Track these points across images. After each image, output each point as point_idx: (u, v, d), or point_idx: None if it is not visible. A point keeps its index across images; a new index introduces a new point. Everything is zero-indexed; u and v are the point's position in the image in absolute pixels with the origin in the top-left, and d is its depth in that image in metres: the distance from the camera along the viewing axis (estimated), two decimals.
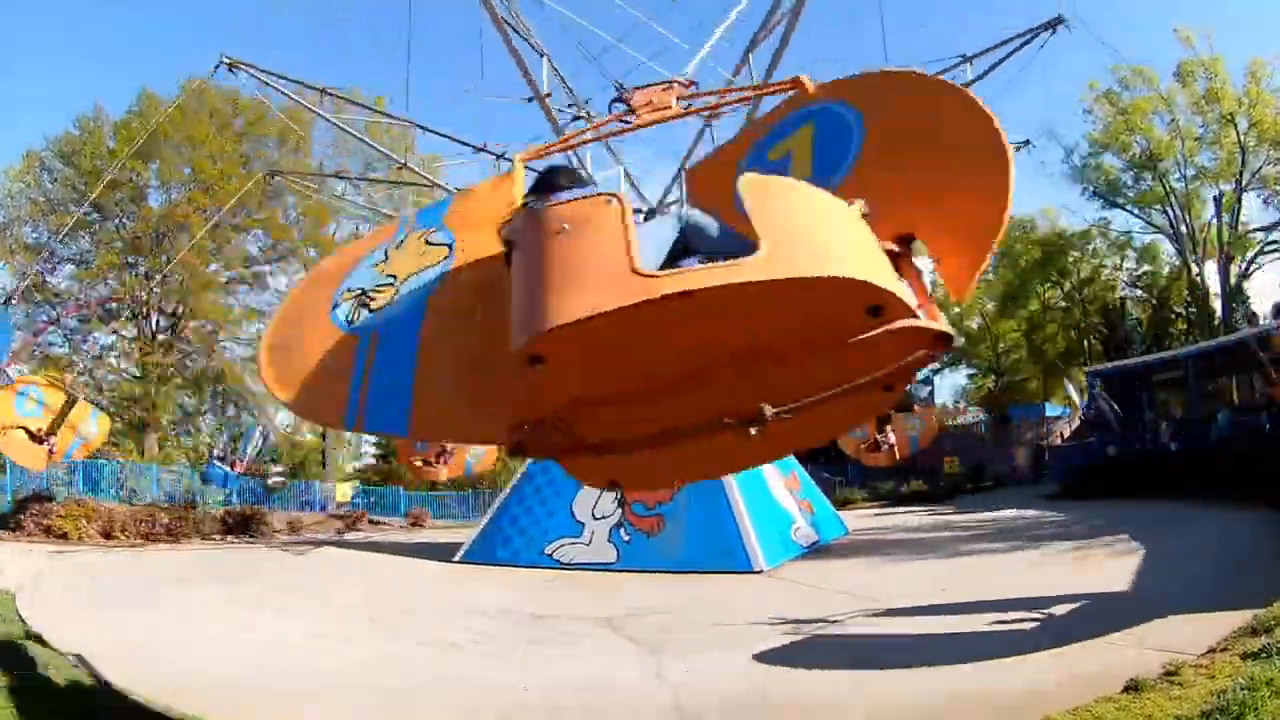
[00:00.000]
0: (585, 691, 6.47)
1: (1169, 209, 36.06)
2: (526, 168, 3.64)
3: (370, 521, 28.80)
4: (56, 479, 21.59)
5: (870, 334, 2.29)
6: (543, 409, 2.49)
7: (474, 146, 19.54)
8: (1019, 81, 35.43)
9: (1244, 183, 34.03)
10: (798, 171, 3.08)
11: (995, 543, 14.44)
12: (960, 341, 46.87)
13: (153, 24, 58.92)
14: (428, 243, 3.29)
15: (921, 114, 2.94)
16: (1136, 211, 37.90)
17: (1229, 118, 32.80)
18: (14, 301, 24.98)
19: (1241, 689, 4.37)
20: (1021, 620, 7.69)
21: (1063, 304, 42.68)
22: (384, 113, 19.15)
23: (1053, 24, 17.58)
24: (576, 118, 17.23)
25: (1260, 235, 35.18)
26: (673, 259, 2.60)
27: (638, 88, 3.69)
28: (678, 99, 3.58)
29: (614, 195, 2.42)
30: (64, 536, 16.73)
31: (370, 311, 3.07)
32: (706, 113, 3.84)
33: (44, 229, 33.83)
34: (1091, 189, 38.16)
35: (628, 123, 3.64)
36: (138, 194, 34.29)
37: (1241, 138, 32.97)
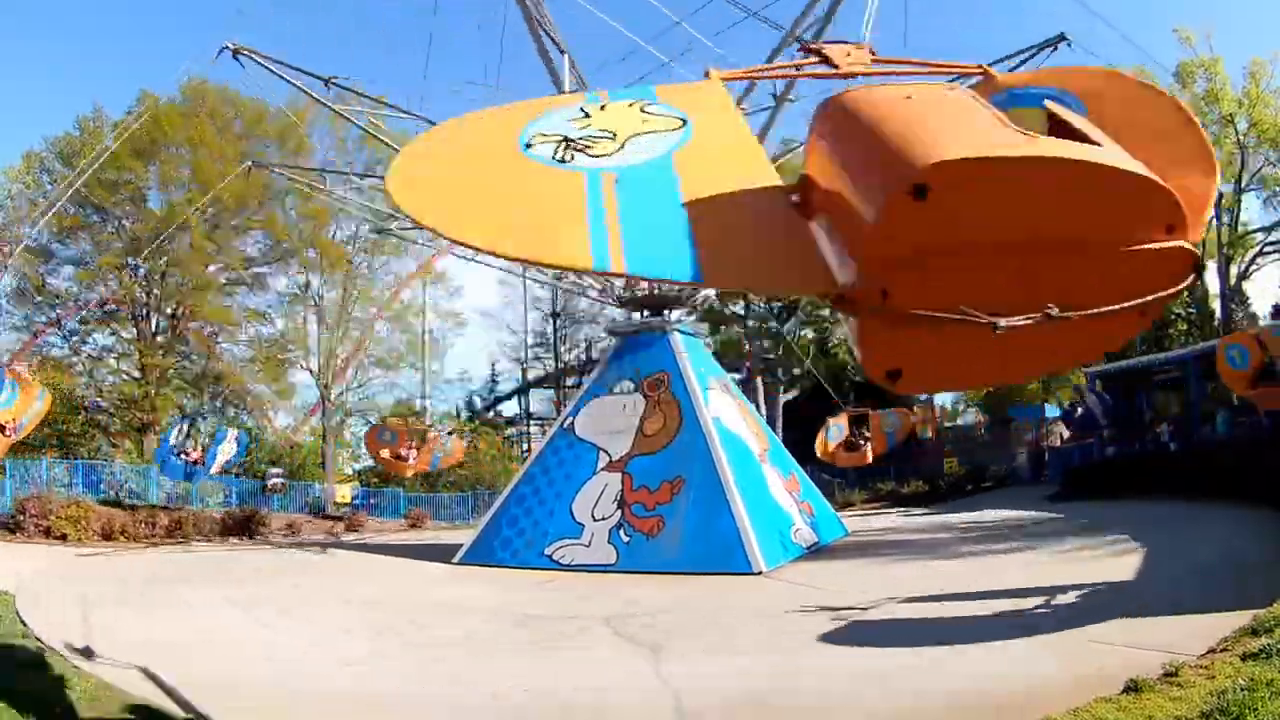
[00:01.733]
0: (585, 693, 6.46)
1: None
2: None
3: (369, 522, 28.83)
4: (57, 479, 21.64)
5: (1162, 245, 2.47)
6: (890, 253, 2.43)
7: None
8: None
9: (1243, 183, 34.03)
10: None
11: (995, 543, 14.45)
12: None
13: (153, 24, 58.97)
14: (645, 110, 3.06)
15: (1136, 107, 3.03)
16: None
17: (1229, 118, 32.79)
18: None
19: (1241, 689, 4.38)
20: (1021, 621, 7.69)
21: None
22: (391, 104, 18.88)
23: (1054, 42, 17.63)
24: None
25: (1260, 236, 35.18)
26: None
27: (827, 43, 3.59)
28: (872, 58, 3.49)
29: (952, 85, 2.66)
30: (63, 538, 16.74)
31: (590, 156, 2.77)
32: (893, 75, 3.69)
33: (43, 230, 33.82)
34: None
35: (833, 68, 3.51)
36: (138, 195, 34.29)
37: (1241, 138, 32.97)
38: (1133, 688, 4.94)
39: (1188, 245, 2.49)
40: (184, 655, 7.54)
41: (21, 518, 16.91)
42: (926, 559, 13.19)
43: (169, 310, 34.45)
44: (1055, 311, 2.40)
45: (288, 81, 17.55)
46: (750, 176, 2.76)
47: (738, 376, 35.92)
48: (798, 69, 4.06)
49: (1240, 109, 32.56)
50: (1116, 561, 10.67)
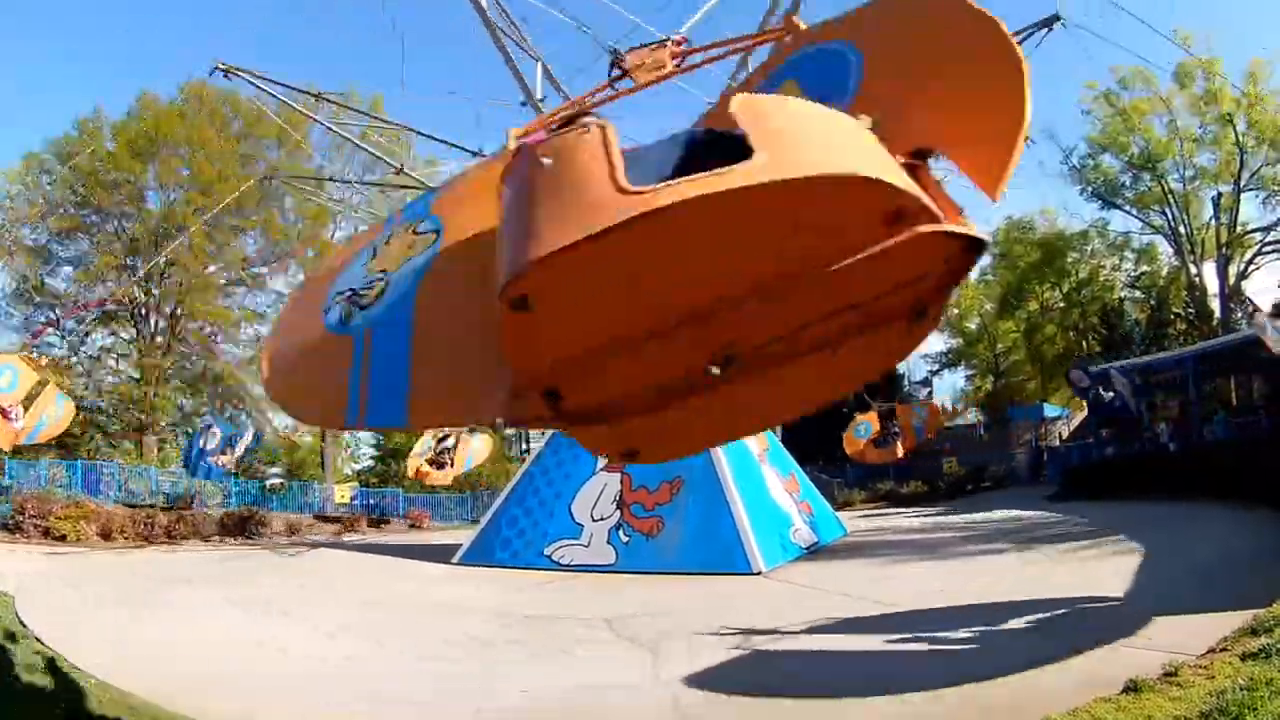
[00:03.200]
0: (585, 693, 6.46)
1: (1167, 209, 36.14)
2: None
3: (369, 523, 28.83)
4: (56, 480, 21.63)
5: (890, 242, 1.99)
6: (533, 366, 2.23)
7: (470, 150, 19.57)
8: None
9: (1242, 183, 34.10)
10: None
11: (994, 543, 14.45)
12: (957, 342, 46.98)
13: (152, 25, 58.93)
14: (415, 233, 3.14)
15: (925, 29, 2.65)
16: (1135, 212, 37.98)
17: (1227, 118, 32.86)
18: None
19: (1241, 689, 4.38)
20: (1020, 621, 7.69)
21: (1061, 304, 42.70)
22: (378, 118, 19.17)
23: (1048, 22, 17.36)
24: None
25: (1258, 235, 35.25)
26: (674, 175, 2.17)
27: (630, 49, 3.44)
28: (672, 57, 3.32)
29: (595, 123, 2.11)
30: (63, 538, 16.73)
31: (362, 309, 2.95)
32: (700, 66, 3.45)
33: (43, 230, 33.85)
34: (1090, 190, 38.26)
35: (625, 86, 3.39)
36: (136, 195, 34.29)
37: (1240, 138, 33.04)
38: (1132, 688, 4.94)
39: (928, 228, 1.98)
40: (183, 655, 7.55)
41: (21, 518, 16.90)
42: (925, 559, 13.19)
43: (168, 311, 34.44)
44: (716, 371, 2.14)
45: (277, 99, 17.88)
46: (475, 280, 2.51)
47: None
48: (593, 93, 3.81)
49: (1239, 109, 32.61)
50: (1115, 561, 10.67)
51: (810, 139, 1.97)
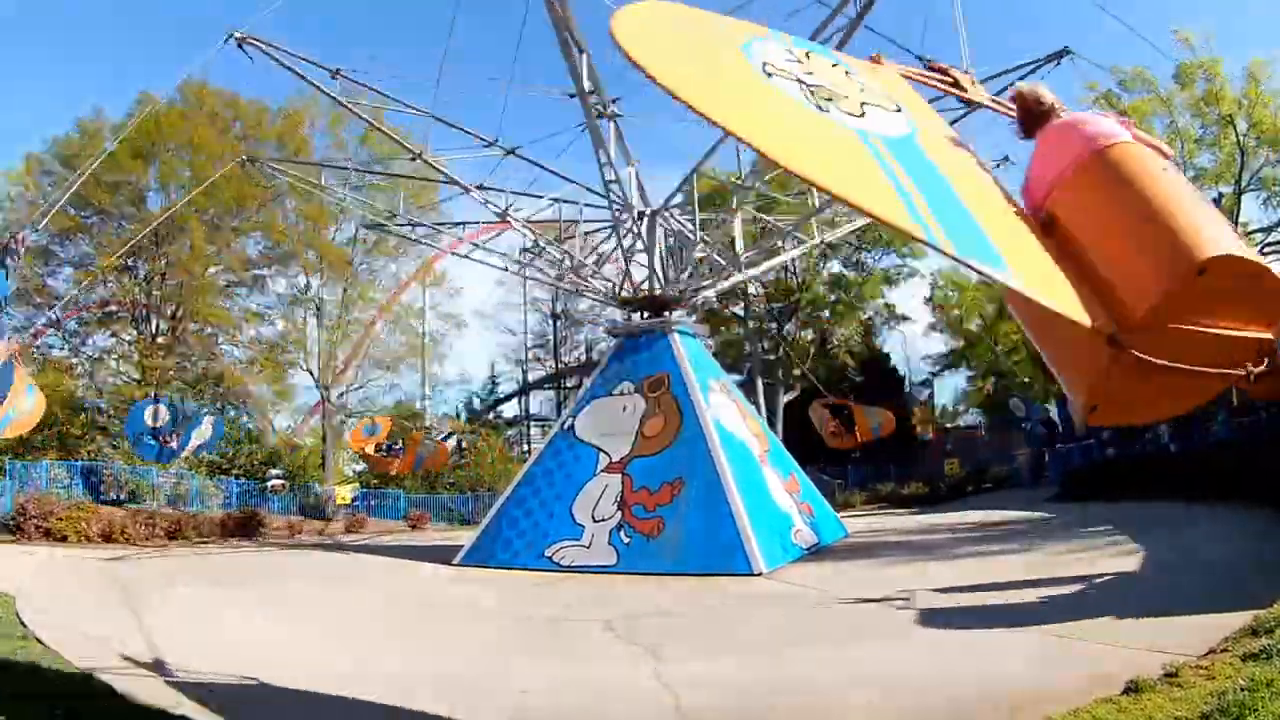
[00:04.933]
0: (585, 694, 6.46)
1: None
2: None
3: (370, 523, 28.84)
4: (57, 481, 21.65)
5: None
6: (1149, 315, 2.64)
7: (485, 140, 19.43)
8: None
9: (1243, 184, 34.04)
10: None
11: (995, 544, 14.45)
12: (959, 344, 46.99)
13: (152, 25, 58.96)
14: (849, 76, 3.01)
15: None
16: None
17: (1228, 119, 32.79)
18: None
19: (1242, 690, 4.37)
20: (1020, 621, 7.69)
21: None
22: (399, 100, 18.60)
23: (1057, 56, 17.55)
24: (599, 115, 16.84)
25: (1260, 236, 35.19)
26: None
27: (949, 67, 3.72)
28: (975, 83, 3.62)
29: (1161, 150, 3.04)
30: (64, 539, 16.76)
31: (840, 112, 2.64)
32: (995, 111, 3.73)
33: (44, 231, 33.83)
34: None
35: (963, 91, 3.64)
36: (137, 196, 34.32)
37: (1241, 139, 32.96)
38: (1133, 688, 4.94)
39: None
40: (183, 656, 7.54)
41: (22, 519, 16.94)
42: (926, 560, 13.19)
43: (169, 312, 34.45)
44: (1256, 371, 2.81)
45: (293, 72, 17.10)
46: (992, 188, 2.87)
47: (738, 378, 35.94)
48: (938, 81, 3.98)
49: (1240, 110, 32.55)
50: (1116, 562, 10.67)
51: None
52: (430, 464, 27.74)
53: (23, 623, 8.22)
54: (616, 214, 19.16)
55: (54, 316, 31.37)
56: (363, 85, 17.95)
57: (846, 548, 15.98)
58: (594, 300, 33.28)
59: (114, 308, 34.53)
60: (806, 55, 2.99)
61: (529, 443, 46.88)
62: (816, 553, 14.98)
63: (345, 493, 32.57)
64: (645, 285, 19.26)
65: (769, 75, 2.66)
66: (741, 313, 41.54)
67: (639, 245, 19.61)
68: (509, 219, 20.51)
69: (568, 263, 22.06)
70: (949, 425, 45.20)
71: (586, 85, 15.40)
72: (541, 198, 21.60)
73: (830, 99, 2.71)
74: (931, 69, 3.81)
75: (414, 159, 20.55)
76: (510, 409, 53.67)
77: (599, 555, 14.11)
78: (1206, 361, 2.74)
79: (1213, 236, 2.58)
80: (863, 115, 2.75)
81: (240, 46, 16.26)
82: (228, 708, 5.94)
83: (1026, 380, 45.22)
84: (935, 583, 10.59)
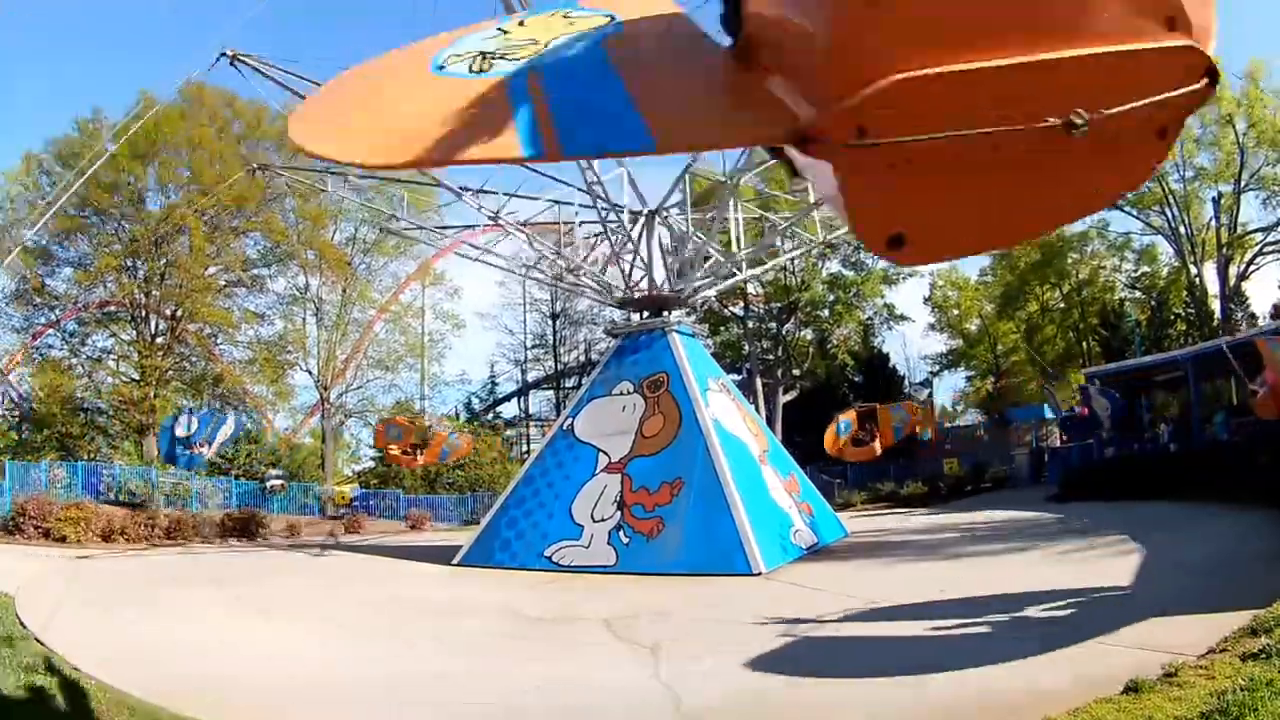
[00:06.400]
0: (584, 693, 6.46)
1: (1168, 210, 36.10)
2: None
3: (369, 523, 28.83)
4: (56, 482, 21.62)
5: (1162, 45, 2.07)
6: (860, 80, 2.04)
7: None
8: None
9: (1243, 184, 34.06)
10: None
11: (994, 544, 14.45)
12: (958, 343, 47.02)
13: (152, 26, 58.96)
14: (567, 16, 2.88)
15: None
16: (1135, 213, 37.93)
17: (1227, 119, 32.81)
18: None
19: (1241, 690, 4.38)
20: (1020, 621, 7.69)
21: (1061, 306, 42.70)
22: None
23: None
24: None
25: (1259, 236, 35.22)
26: None
27: None
28: None
29: None
30: (63, 540, 16.73)
31: (511, 62, 2.56)
32: None
33: (43, 231, 33.83)
34: None
35: None
36: (136, 197, 34.28)
37: (1240, 139, 33.00)
38: (1132, 688, 4.94)
39: (1194, 44, 2.08)
40: (183, 656, 7.55)
41: (22, 519, 16.89)
42: (925, 560, 13.19)
43: (168, 312, 34.43)
44: (1082, 119, 2.00)
45: (285, 88, 17.32)
46: (688, 43, 2.47)
47: (737, 377, 35.94)
48: None
49: (1239, 110, 32.58)
50: (1115, 562, 10.67)
51: None
52: (454, 458, 27.99)
53: (22, 623, 8.21)
54: (603, 214, 19.20)
55: (54, 317, 31.44)
56: None
57: (846, 547, 15.98)
58: (593, 300, 33.30)
59: (113, 308, 34.50)
60: (521, 24, 2.92)
61: (528, 443, 46.86)
62: (816, 552, 14.99)
63: (345, 492, 32.58)
64: (644, 285, 19.27)
65: (441, 69, 2.60)
66: (741, 313, 41.56)
67: (629, 246, 19.64)
68: (502, 222, 20.48)
69: (563, 264, 22.07)
70: (948, 424, 45.16)
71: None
72: (538, 199, 21.59)
73: (508, 54, 2.60)
74: None
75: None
76: (510, 409, 53.69)
77: (598, 555, 14.10)
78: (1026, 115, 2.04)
79: None
80: (544, 49, 2.62)
81: (233, 64, 16.50)
82: (227, 708, 5.94)
83: (1026, 380, 45.34)
84: (935, 583, 10.59)
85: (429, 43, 2.95)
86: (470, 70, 2.52)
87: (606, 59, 2.48)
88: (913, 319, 45.66)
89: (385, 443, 24.29)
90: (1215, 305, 35.35)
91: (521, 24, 2.90)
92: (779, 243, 23.13)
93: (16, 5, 45.05)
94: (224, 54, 16.65)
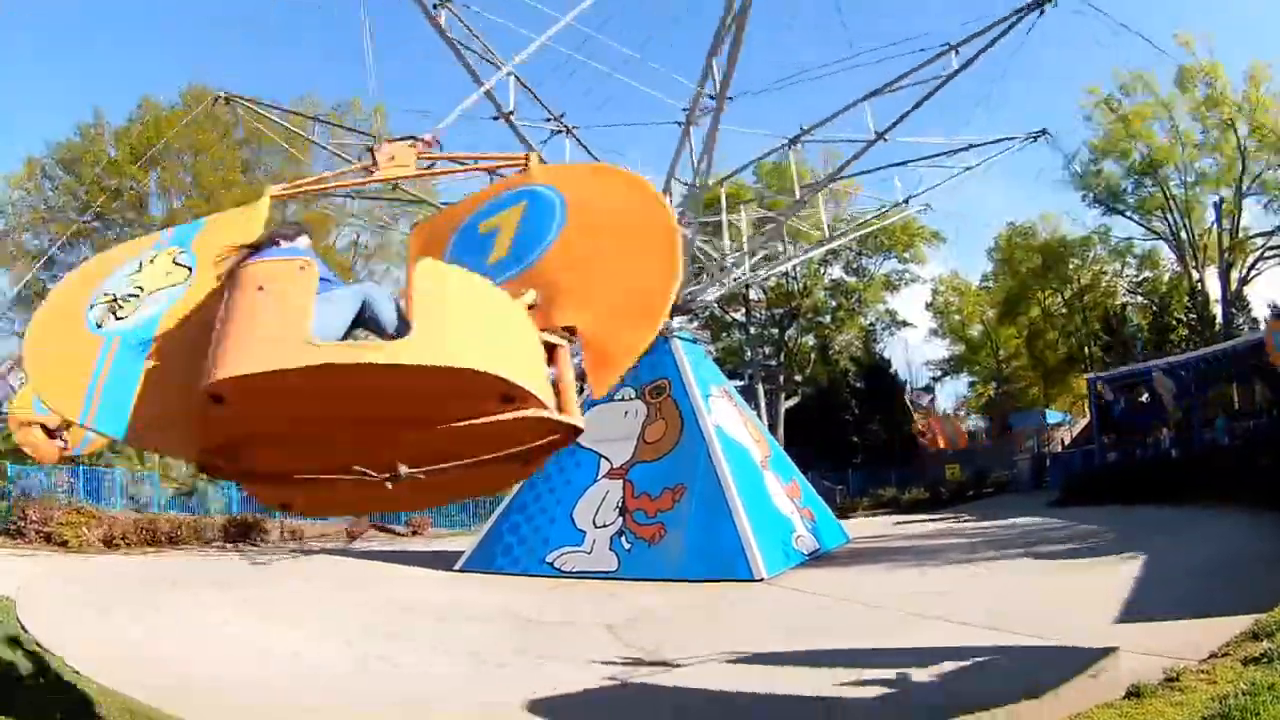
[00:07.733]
0: (587, 699, 6.46)
1: (1169, 215, 36.09)
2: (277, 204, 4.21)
3: (372, 529, 28.78)
4: (58, 486, 21.62)
5: (502, 417, 2.69)
6: (220, 438, 2.88)
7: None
8: (1018, 84, 35.50)
9: (1244, 188, 34.03)
10: (498, 250, 3.39)
11: (996, 549, 14.42)
12: (960, 349, 47.02)
13: (152, 26, 59.06)
14: (175, 262, 3.50)
15: (610, 201, 3.29)
16: (1137, 218, 37.93)
17: (1229, 123, 32.79)
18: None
19: (1243, 694, 4.37)
20: (1021, 625, 7.68)
21: (1063, 310, 42.65)
22: (375, 137, 19.37)
23: (1039, 3, 16.46)
24: (555, 131, 17.24)
25: (1261, 241, 35.18)
26: (352, 327, 3.11)
27: (389, 140, 3.98)
28: (419, 157, 3.87)
29: (306, 263, 2.87)
30: (65, 544, 16.73)
31: (117, 319, 3.26)
32: (443, 174, 4.27)
33: (45, 236, 33.88)
34: (1092, 195, 38.13)
35: (370, 174, 3.95)
36: (139, 202, 34.32)
37: (1242, 143, 32.97)
38: (1134, 693, 4.93)
39: (532, 413, 2.72)
40: (182, 660, 7.55)
41: (23, 523, 16.91)
42: (927, 565, 13.17)
43: None
44: (404, 471, 2.79)
45: (282, 125, 18.31)
46: (197, 342, 3.00)
47: (739, 383, 35.91)
48: (340, 174, 4.67)
49: (1240, 113, 32.55)
50: (1117, 567, 10.64)
51: (452, 326, 2.62)
52: (90, 450, 28.47)
53: (23, 627, 8.22)
54: None
55: None
56: (343, 127, 18.74)
57: (848, 553, 15.96)
58: None
59: None
60: (152, 260, 3.54)
61: None
62: (818, 558, 14.96)
63: None
64: None
65: (91, 308, 3.34)
66: (743, 318, 41.55)
67: None
68: None
69: None
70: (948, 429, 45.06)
71: (513, 103, 15.65)
72: None
73: (121, 307, 3.32)
74: (368, 151, 4.11)
75: (394, 187, 20.96)
76: None
77: (600, 561, 14.09)
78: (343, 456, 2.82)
79: (237, 355, 2.55)
80: (138, 309, 3.29)
81: (227, 104, 17.59)
82: (227, 711, 5.94)
83: (1027, 385, 45.32)
84: (936, 588, 10.59)
85: (115, 257, 3.72)
86: (95, 324, 3.26)
87: (146, 348, 3.15)
88: (914, 325, 45.70)
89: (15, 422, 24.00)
90: (1217, 310, 35.32)
91: (152, 260, 3.54)
92: (781, 248, 23.13)
93: (16, 5, 45.23)
94: (219, 98, 18.08)
